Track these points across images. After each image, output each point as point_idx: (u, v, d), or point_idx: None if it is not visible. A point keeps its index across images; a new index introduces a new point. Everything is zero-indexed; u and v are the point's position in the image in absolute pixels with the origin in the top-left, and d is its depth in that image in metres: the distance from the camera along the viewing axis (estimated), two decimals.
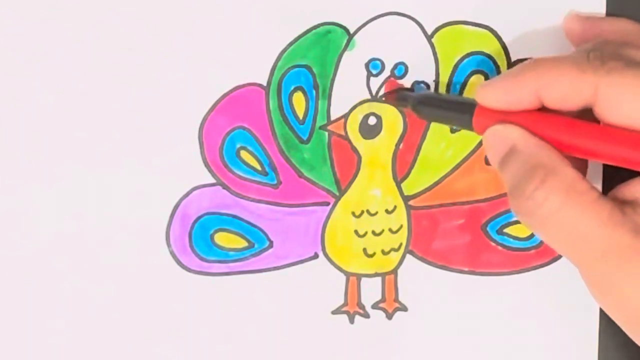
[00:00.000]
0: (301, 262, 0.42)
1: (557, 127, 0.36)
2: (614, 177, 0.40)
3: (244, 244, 0.42)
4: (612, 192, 0.37)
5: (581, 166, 0.38)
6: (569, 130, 0.36)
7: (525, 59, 0.42)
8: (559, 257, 0.43)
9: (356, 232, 0.42)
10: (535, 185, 0.35)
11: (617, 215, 0.35)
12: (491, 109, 0.37)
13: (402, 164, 0.42)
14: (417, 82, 0.42)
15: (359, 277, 0.43)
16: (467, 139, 0.42)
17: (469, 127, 0.38)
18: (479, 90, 0.38)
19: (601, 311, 0.44)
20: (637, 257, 0.34)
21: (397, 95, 0.41)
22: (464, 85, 0.42)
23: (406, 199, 0.42)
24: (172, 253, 0.41)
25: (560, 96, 0.36)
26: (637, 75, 0.35)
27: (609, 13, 0.42)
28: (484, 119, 0.38)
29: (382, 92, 0.42)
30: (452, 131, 0.42)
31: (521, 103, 0.37)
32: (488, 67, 0.42)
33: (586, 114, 0.37)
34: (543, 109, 0.37)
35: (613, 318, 0.37)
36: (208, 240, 0.42)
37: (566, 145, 0.36)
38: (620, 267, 0.35)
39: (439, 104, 0.40)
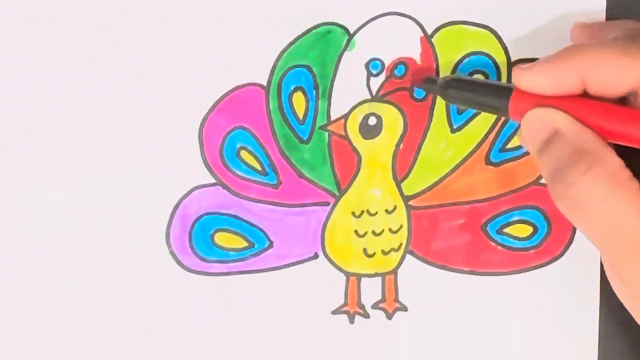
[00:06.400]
0: (301, 262, 0.42)
1: (599, 113, 0.35)
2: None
3: (244, 244, 0.42)
4: None
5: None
6: (612, 117, 0.35)
7: (526, 59, 0.42)
8: (559, 257, 0.43)
9: (356, 232, 0.42)
10: (580, 172, 0.35)
11: None
12: (531, 93, 0.37)
13: (402, 164, 0.42)
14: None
15: (359, 277, 0.43)
16: (467, 138, 0.42)
17: (502, 112, 0.37)
18: (518, 74, 0.37)
19: (601, 311, 0.44)
20: None
21: (425, 79, 0.41)
22: None
23: (406, 199, 0.42)
24: (172, 253, 0.41)
25: (605, 81, 0.36)
26: None
27: (609, 13, 0.42)
28: (521, 104, 0.37)
29: (381, 88, 0.42)
30: (453, 131, 0.42)
31: (564, 88, 0.36)
32: (488, 67, 0.42)
33: (624, 103, 0.36)
34: (583, 95, 0.36)
35: (630, 311, 0.37)
36: (208, 240, 0.42)
37: (608, 132, 0.35)
38: None
39: (471, 88, 0.39)
